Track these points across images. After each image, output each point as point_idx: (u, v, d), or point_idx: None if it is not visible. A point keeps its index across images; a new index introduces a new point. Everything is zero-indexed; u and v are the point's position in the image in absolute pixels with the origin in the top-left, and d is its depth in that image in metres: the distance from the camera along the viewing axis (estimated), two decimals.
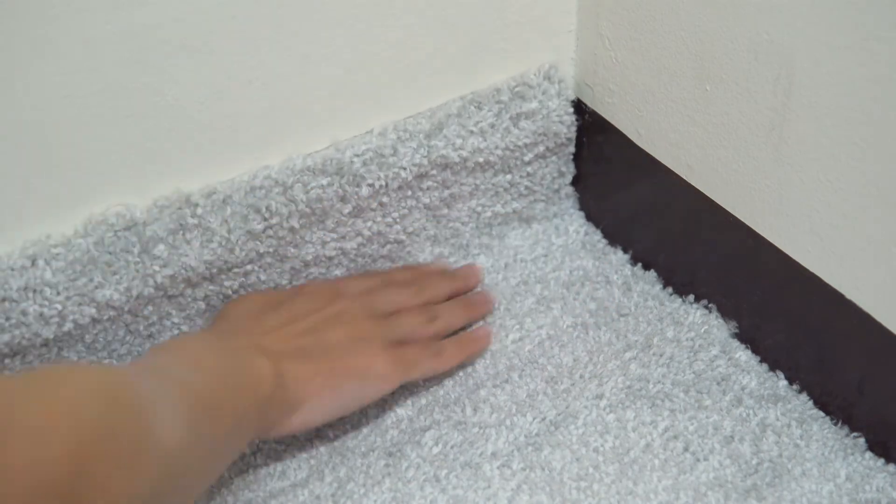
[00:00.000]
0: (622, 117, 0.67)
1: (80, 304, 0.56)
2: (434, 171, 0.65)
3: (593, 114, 0.69)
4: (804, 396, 0.61)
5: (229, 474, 0.57)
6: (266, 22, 0.56)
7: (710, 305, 0.66)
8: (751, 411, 0.59)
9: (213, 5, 0.53)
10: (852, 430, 0.59)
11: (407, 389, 0.62)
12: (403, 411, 0.61)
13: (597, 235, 0.73)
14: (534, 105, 0.66)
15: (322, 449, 0.59)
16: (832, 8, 0.49)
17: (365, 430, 0.60)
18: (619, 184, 0.70)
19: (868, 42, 0.48)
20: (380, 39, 0.60)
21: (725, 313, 0.65)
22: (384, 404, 0.61)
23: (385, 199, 0.64)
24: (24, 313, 0.54)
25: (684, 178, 0.63)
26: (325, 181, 0.61)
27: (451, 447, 0.58)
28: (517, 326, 0.66)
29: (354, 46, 0.60)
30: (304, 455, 0.58)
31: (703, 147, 0.61)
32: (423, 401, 0.61)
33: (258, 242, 0.60)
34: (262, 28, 0.56)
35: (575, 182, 0.73)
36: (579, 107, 0.70)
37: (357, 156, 0.62)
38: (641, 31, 0.62)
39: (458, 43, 0.63)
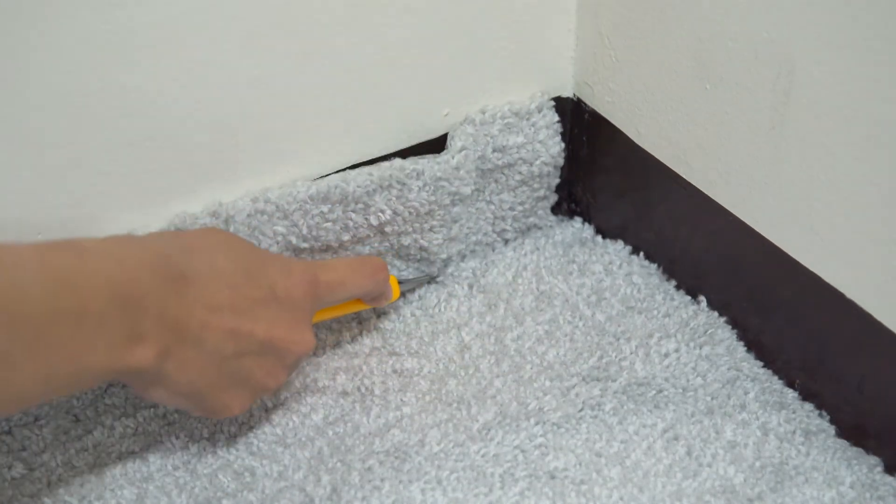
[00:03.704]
0: (622, 116, 0.68)
1: None
2: (441, 211, 0.67)
3: (593, 113, 0.70)
4: (808, 404, 0.62)
5: (225, 476, 0.58)
6: (265, 23, 0.57)
7: (710, 304, 0.68)
8: (754, 416, 0.61)
9: (212, 5, 0.55)
10: (857, 436, 0.60)
11: (408, 388, 0.63)
12: (408, 409, 0.62)
13: (596, 234, 0.75)
14: (520, 139, 0.69)
15: (323, 448, 0.60)
16: (832, 7, 0.51)
17: (364, 430, 0.61)
18: (618, 182, 0.71)
19: (868, 42, 0.50)
20: (377, 41, 0.62)
21: (726, 312, 0.67)
22: (387, 404, 0.62)
23: (388, 230, 0.67)
24: None
25: (684, 176, 0.64)
26: (325, 208, 0.63)
27: (455, 447, 0.59)
28: (517, 324, 0.67)
29: (353, 51, 0.61)
30: (304, 455, 0.59)
31: (703, 146, 0.62)
32: (427, 398, 0.63)
33: None
34: (260, 29, 0.57)
35: (575, 181, 0.75)
36: (579, 106, 0.71)
37: (360, 187, 0.64)
38: (641, 29, 0.63)
39: (457, 43, 0.64)
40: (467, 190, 0.67)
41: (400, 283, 0.68)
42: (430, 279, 0.70)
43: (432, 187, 0.66)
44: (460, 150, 0.66)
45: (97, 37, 0.52)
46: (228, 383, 0.54)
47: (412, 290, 0.70)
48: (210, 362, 0.52)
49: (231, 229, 0.61)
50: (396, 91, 0.64)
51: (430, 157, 0.66)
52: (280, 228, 0.62)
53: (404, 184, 0.65)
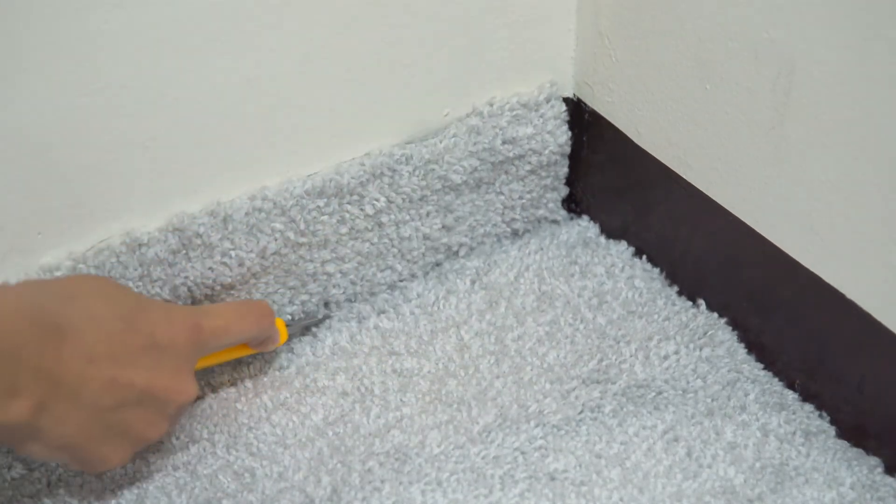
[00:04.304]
0: (622, 116, 0.68)
1: None
2: (434, 196, 0.68)
3: (593, 113, 0.70)
4: (808, 405, 0.62)
5: (225, 477, 0.59)
6: (265, 22, 0.57)
7: (710, 305, 0.68)
8: (754, 417, 0.61)
9: (212, 5, 0.55)
10: (857, 437, 0.60)
11: (408, 389, 0.63)
12: (407, 409, 0.62)
13: (598, 234, 0.75)
14: (529, 130, 0.69)
15: (323, 449, 0.60)
16: (832, 8, 0.51)
17: (364, 430, 0.61)
18: (619, 183, 0.72)
19: (868, 42, 0.50)
20: (376, 41, 0.62)
21: (726, 313, 0.67)
22: (387, 404, 0.62)
23: (385, 219, 0.67)
24: None
25: (684, 177, 0.65)
26: (321, 202, 0.63)
27: (455, 448, 0.59)
28: (518, 325, 0.67)
29: (353, 50, 0.61)
30: (304, 455, 0.60)
31: (703, 146, 0.62)
32: (427, 398, 0.63)
33: (263, 259, 0.63)
34: (261, 28, 0.57)
35: (575, 182, 0.75)
36: (579, 106, 0.71)
37: (354, 178, 0.64)
38: (641, 30, 0.63)
39: (457, 42, 0.65)
40: (457, 178, 0.67)
41: (287, 325, 0.66)
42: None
43: (423, 171, 0.66)
44: (451, 137, 0.67)
45: (97, 37, 0.53)
46: (107, 436, 0.52)
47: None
48: (88, 415, 0.50)
49: (230, 228, 0.61)
50: (396, 91, 0.64)
51: (417, 141, 0.66)
52: (278, 225, 0.62)
53: (395, 170, 0.65)
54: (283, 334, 0.64)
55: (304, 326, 0.68)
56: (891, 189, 0.52)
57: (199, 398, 0.64)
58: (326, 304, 0.69)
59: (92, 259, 0.58)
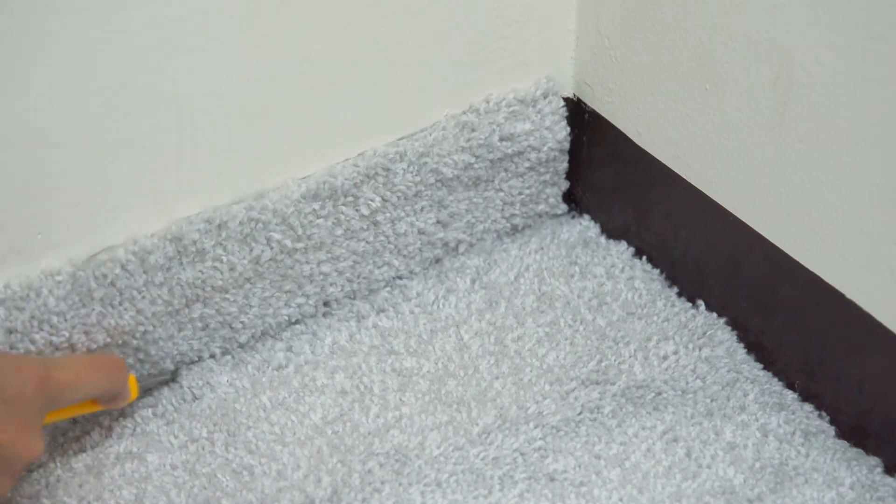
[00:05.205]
0: (622, 116, 0.68)
1: (86, 333, 0.59)
2: (428, 191, 0.68)
3: (593, 113, 0.70)
4: (808, 405, 0.62)
5: (224, 476, 0.59)
6: (264, 22, 0.57)
7: (710, 305, 0.68)
8: (753, 417, 0.61)
9: (211, 5, 0.55)
10: (857, 437, 0.60)
11: (407, 388, 0.63)
12: (407, 409, 0.62)
13: (598, 234, 0.75)
14: (527, 126, 0.69)
15: (323, 448, 0.60)
16: (832, 8, 0.51)
17: (363, 430, 0.61)
18: (619, 182, 0.72)
19: (868, 42, 0.50)
20: (375, 41, 0.62)
21: (726, 313, 0.67)
22: (386, 404, 0.62)
23: (381, 218, 0.67)
24: (32, 342, 0.57)
25: (684, 177, 0.65)
26: (316, 205, 0.64)
27: (454, 450, 0.59)
28: (518, 325, 0.67)
29: (353, 50, 0.61)
30: (304, 453, 0.60)
31: (703, 146, 0.62)
32: (427, 398, 0.63)
33: (257, 265, 0.64)
34: (260, 28, 0.57)
35: (575, 181, 0.75)
36: (579, 106, 0.71)
37: (348, 179, 0.64)
38: (641, 30, 0.63)
39: (456, 42, 0.65)
40: (448, 171, 0.67)
41: (138, 381, 0.63)
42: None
43: (417, 166, 0.66)
44: (441, 129, 0.67)
45: (97, 38, 0.53)
46: None
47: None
48: None
49: (223, 235, 0.61)
50: (394, 91, 0.64)
51: (407, 137, 0.66)
52: (276, 234, 0.63)
53: (389, 169, 0.65)
54: (133, 391, 0.62)
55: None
56: (891, 189, 0.52)
57: (197, 399, 0.64)
58: (326, 304, 0.69)
59: (92, 265, 0.59)
